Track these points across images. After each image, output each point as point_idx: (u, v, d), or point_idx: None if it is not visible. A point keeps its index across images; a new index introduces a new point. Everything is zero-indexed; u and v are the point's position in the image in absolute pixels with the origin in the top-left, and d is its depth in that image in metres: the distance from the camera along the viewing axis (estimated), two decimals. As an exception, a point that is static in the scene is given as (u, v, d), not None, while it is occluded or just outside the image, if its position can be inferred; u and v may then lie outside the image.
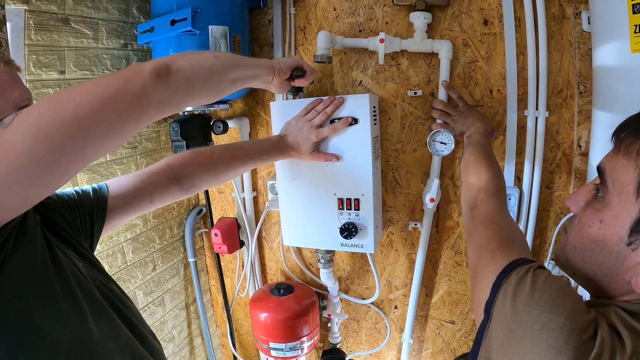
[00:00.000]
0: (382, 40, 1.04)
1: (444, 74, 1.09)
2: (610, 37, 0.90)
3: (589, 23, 1.00)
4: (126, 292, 0.77)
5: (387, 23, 1.15)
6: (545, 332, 0.44)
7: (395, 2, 1.08)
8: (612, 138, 0.52)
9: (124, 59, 1.22)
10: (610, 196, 0.50)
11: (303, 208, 1.14)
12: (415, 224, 1.22)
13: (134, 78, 0.51)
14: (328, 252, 1.23)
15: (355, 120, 1.02)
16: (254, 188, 1.39)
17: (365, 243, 1.10)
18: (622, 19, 0.85)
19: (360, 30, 1.17)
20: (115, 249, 1.23)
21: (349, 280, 1.37)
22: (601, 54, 0.94)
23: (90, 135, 0.47)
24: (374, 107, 1.07)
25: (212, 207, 1.48)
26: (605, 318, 0.46)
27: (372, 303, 1.35)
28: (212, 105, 1.16)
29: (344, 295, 1.36)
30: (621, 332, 0.44)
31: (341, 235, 1.08)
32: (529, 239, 1.11)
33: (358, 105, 1.02)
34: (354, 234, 1.07)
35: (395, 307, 1.33)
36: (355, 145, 1.04)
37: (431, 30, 1.10)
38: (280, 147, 1.02)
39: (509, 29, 1.06)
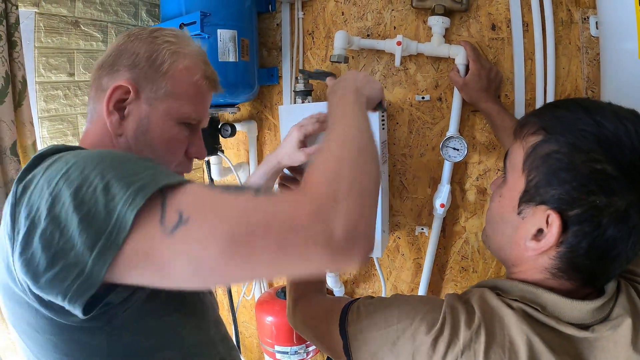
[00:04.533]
0: (399, 43, 1.04)
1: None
2: (618, 42, 0.90)
3: (597, 28, 1.00)
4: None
5: (395, 28, 1.15)
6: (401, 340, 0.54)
7: (414, 5, 1.09)
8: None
9: (133, 62, 1.22)
10: (508, 174, 0.59)
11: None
12: (422, 229, 1.22)
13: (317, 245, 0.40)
14: (335, 255, 1.22)
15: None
16: (261, 191, 1.39)
17: (372, 247, 1.10)
18: (630, 24, 0.85)
19: (368, 35, 1.17)
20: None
21: (354, 284, 1.36)
22: (609, 58, 0.94)
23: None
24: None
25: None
26: (463, 300, 0.55)
27: (377, 307, 1.34)
28: (220, 108, 1.16)
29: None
30: (475, 308, 0.53)
31: (348, 239, 1.08)
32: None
33: (366, 110, 1.02)
34: (361, 237, 1.07)
35: (402, 312, 1.32)
36: (364, 149, 1.04)
37: (439, 35, 1.11)
38: (267, 161, 0.92)
39: (516, 34, 1.06)
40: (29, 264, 0.41)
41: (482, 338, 0.49)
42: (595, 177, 0.48)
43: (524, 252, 0.55)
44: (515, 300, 0.53)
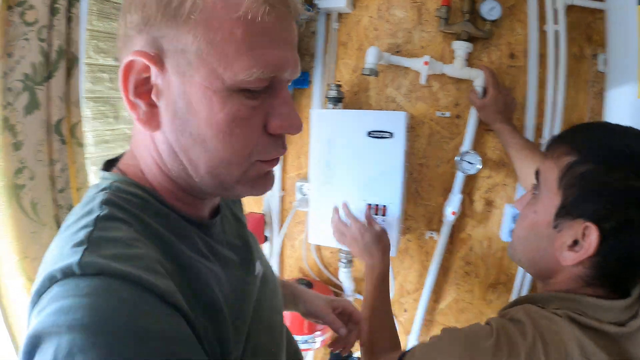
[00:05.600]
0: (426, 63, 1.14)
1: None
2: (621, 80, 1.01)
3: (605, 65, 1.12)
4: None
5: (422, 47, 1.25)
6: None
7: (441, 29, 1.19)
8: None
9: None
10: (541, 191, 0.64)
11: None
12: (432, 234, 1.31)
13: None
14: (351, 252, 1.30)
15: None
16: (283, 188, 1.46)
17: (388, 246, 1.18)
18: (632, 65, 0.96)
19: (397, 52, 1.27)
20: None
21: (364, 281, 1.44)
22: (612, 95, 1.05)
23: None
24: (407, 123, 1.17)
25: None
26: (508, 319, 0.58)
27: (381, 305, 1.42)
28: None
29: (357, 296, 1.44)
30: (524, 321, 0.56)
31: (368, 237, 1.16)
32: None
33: (394, 121, 1.12)
34: (380, 237, 1.16)
35: (405, 310, 1.41)
36: (389, 158, 1.13)
37: (461, 58, 1.21)
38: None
39: (532, 64, 1.17)
40: None
41: (540, 346, 0.52)
42: (629, 192, 0.54)
43: (560, 262, 0.59)
44: (557, 308, 0.57)
